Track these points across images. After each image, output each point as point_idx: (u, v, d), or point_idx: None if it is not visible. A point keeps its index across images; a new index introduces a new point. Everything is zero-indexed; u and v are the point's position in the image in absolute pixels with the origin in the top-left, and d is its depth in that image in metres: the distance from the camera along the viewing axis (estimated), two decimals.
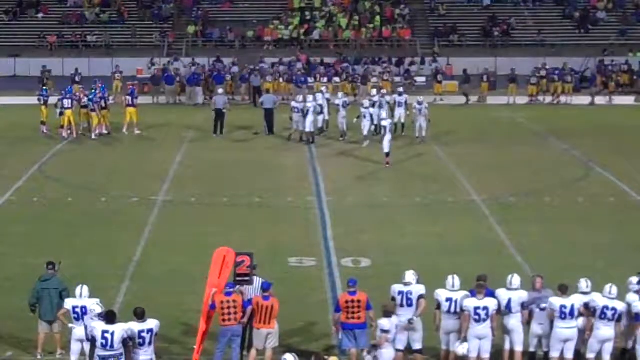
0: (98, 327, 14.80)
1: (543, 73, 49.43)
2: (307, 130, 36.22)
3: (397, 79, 50.76)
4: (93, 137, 37.38)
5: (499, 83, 50.07)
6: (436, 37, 58.19)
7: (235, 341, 16.11)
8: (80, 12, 59.88)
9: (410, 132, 37.13)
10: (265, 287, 16.31)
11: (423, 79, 52.86)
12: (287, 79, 48.04)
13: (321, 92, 39.57)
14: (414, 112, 36.56)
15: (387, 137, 32.11)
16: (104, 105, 38.08)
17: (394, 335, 15.83)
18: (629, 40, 57.57)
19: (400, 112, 37.57)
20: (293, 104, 36.91)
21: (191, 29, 58.54)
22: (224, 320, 16.01)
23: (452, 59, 55.02)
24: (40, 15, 59.99)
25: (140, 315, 15.03)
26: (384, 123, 32.83)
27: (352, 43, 57.82)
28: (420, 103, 36.32)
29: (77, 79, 47.73)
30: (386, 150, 32.03)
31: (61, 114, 37.14)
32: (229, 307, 15.97)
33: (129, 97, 38.87)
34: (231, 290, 16.16)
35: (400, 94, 38.23)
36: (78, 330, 15.81)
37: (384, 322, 15.70)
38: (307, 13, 59.69)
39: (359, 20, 59.08)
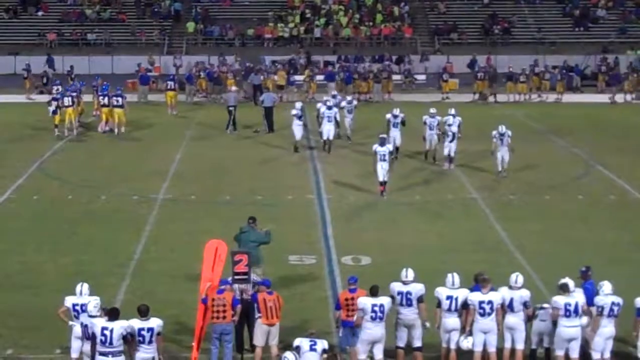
0: (98, 323, 14.81)
1: (537, 70, 49.47)
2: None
3: (397, 77, 50.70)
4: (122, 130, 37.67)
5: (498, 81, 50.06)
6: (436, 35, 58.15)
7: (225, 339, 16.11)
8: (80, 10, 59.84)
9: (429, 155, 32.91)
10: (266, 284, 16.44)
11: (424, 77, 52.79)
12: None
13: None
14: (495, 142, 30.27)
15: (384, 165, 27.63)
16: (106, 102, 38.10)
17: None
18: (629, 38, 57.57)
19: (432, 135, 32.13)
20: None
21: (191, 26, 58.49)
22: (211, 317, 16.06)
23: (452, 56, 54.97)
24: (40, 13, 59.88)
25: (143, 313, 15.03)
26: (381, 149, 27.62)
27: (352, 41, 57.76)
28: (502, 133, 30.07)
29: (72, 76, 47.81)
30: (381, 179, 27.82)
31: (54, 112, 37.05)
32: (217, 305, 16.02)
33: (170, 82, 43.09)
34: (224, 287, 16.20)
35: (432, 116, 32.19)
36: (78, 328, 15.78)
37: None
38: (307, 11, 59.63)
39: (360, 18, 59.04)
